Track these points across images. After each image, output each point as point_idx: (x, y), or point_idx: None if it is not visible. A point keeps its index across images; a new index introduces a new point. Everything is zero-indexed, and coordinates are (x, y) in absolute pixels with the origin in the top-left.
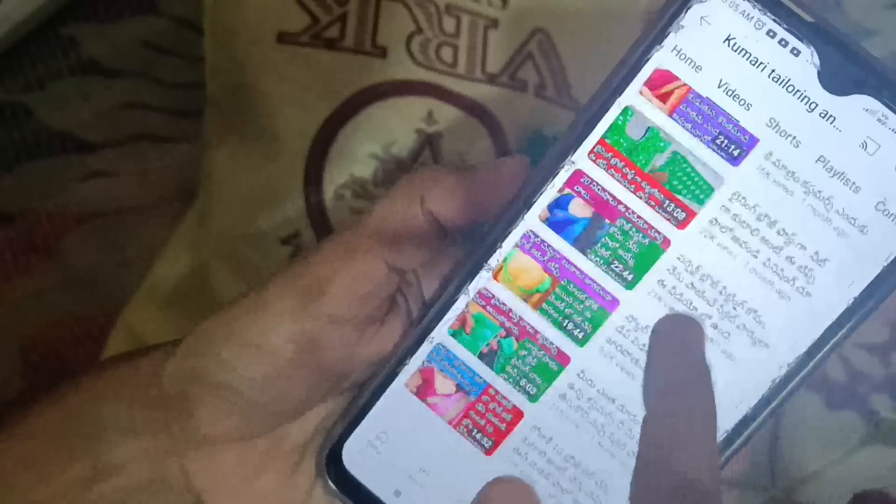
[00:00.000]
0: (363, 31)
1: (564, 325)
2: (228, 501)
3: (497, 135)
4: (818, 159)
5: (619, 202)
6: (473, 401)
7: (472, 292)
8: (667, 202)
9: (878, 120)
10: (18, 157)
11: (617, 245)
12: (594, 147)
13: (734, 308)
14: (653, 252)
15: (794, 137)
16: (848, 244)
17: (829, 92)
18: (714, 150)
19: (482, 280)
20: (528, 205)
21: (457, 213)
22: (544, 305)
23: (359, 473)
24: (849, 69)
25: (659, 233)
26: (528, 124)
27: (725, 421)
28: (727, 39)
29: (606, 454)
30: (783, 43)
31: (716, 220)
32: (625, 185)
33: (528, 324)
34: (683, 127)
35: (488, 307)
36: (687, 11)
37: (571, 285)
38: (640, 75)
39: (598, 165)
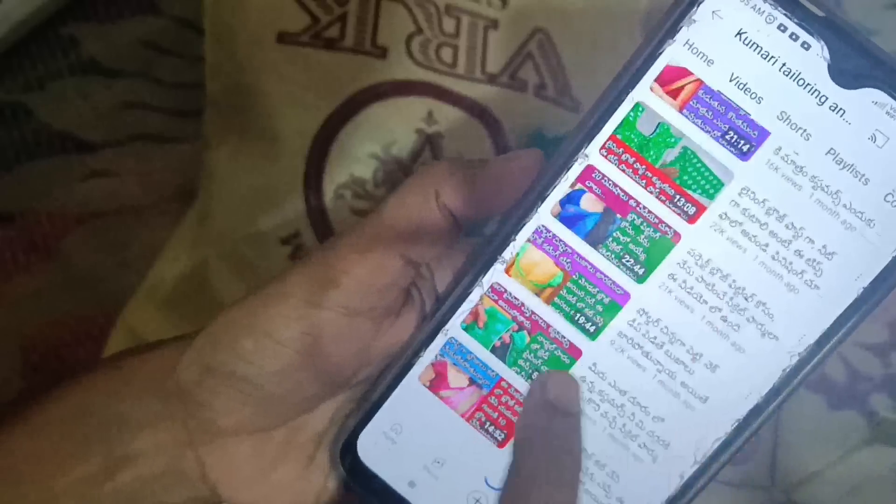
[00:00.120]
0: (363, 31)
1: (576, 318)
2: (244, 493)
3: (497, 135)
4: (828, 152)
5: (630, 197)
6: (486, 394)
7: (485, 286)
8: (677, 197)
9: (887, 113)
10: (18, 157)
11: (628, 240)
12: (605, 143)
13: (744, 301)
14: (663, 246)
15: (805, 130)
16: (856, 237)
17: (839, 85)
18: (724, 146)
19: (495, 274)
20: (540, 199)
21: (470, 207)
22: (556, 299)
23: (373, 464)
24: (858, 63)
25: (670, 227)
26: (528, 124)
27: (736, 411)
28: (738, 34)
29: (618, 446)
30: (794, 37)
31: (725, 214)
32: (636, 181)
33: (541, 318)
34: (693, 122)
35: (501, 301)
36: (699, 6)
37: (583, 279)
38: (651, 71)
39: (609, 161)
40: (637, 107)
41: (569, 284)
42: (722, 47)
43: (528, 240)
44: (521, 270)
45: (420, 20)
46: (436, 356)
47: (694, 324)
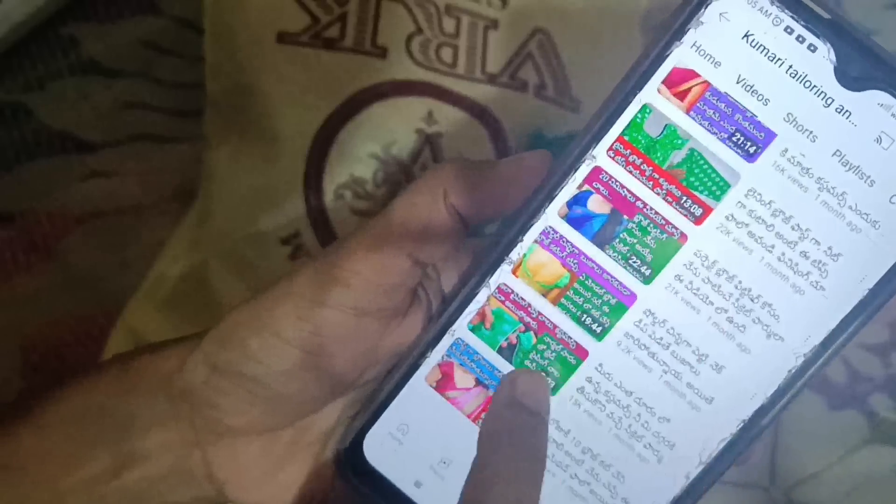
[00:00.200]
0: (363, 31)
1: (583, 319)
2: (251, 492)
3: (497, 135)
4: (833, 154)
5: (637, 198)
6: (492, 395)
7: (492, 287)
8: (684, 198)
9: (893, 115)
10: (18, 157)
11: (635, 241)
12: (613, 144)
13: (750, 302)
14: (670, 247)
15: (811, 132)
16: (861, 239)
17: (845, 87)
18: (730, 147)
19: (502, 275)
20: (547, 200)
21: (478, 208)
22: (563, 300)
23: (379, 464)
24: (864, 65)
25: (676, 228)
26: (528, 124)
27: (741, 412)
28: (745, 36)
29: (623, 446)
30: (800, 39)
31: (732, 215)
32: (643, 182)
33: (547, 318)
34: (700, 124)
35: (507, 302)
36: (706, 8)
37: (590, 280)
38: (658, 72)
39: (616, 162)
40: (644, 108)
41: (575, 285)
42: (729, 49)
43: (536, 241)
44: (528, 271)
45: (420, 20)
46: (442, 357)
47: (700, 325)
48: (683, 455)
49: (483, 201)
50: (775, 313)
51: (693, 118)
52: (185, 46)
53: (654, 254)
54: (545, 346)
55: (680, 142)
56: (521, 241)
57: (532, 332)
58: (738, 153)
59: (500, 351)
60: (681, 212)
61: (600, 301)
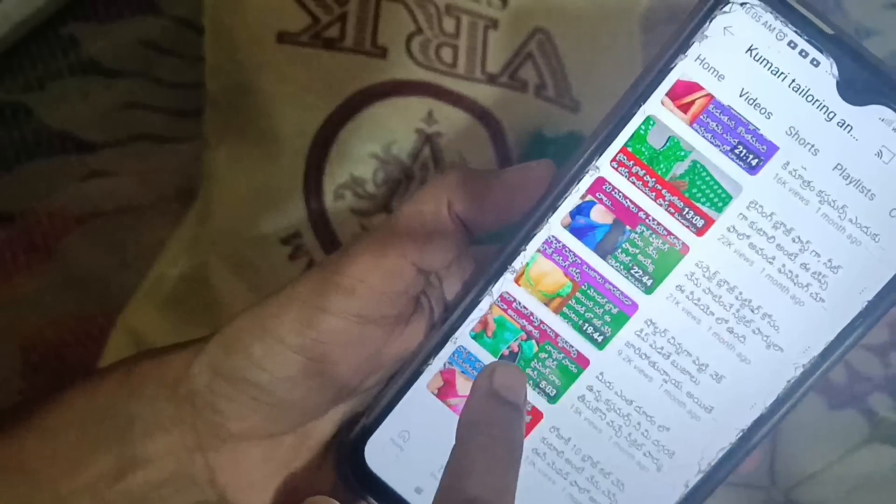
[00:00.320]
0: (363, 31)
1: (584, 328)
2: (253, 497)
3: (497, 135)
4: (835, 167)
5: (640, 209)
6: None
7: (495, 296)
8: (686, 210)
9: (894, 129)
10: (18, 157)
11: (637, 251)
12: (616, 155)
13: (750, 312)
14: (672, 258)
15: (813, 146)
16: (861, 251)
17: (847, 102)
18: (733, 160)
19: (504, 284)
20: (551, 210)
21: (482, 217)
22: (565, 309)
23: (380, 470)
24: (866, 80)
25: (678, 239)
26: (528, 124)
27: (741, 421)
28: (749, 50)
29: (623, 454)
30: (803, 54)
31: (733, 227)
32: (645, 193)
33: (549, 327)
34: (703, 136)
35: (510, 311)
36: (711, 22)
37: (592, 290)
38: (662, 85)
39: (619, 173)
40: (648, 120)
41: (578, 295)
42: (733, 63)
43: (538, 250)
44: (530, 280)
45: (420, 20)
46: (444, 364)
47: (700, 335)
48: (683, 463)
49: (487, 210)
50: (775, 324)
51: (696, 130)
52: (185, 46)
53: (655, 264)
54: (547, 355)
55: (683, 154)
56: (524, 250)
57: (534, 341)
58: (741, 165)
59: (502, 359)
60: (683, 223)
61: (602, 310)
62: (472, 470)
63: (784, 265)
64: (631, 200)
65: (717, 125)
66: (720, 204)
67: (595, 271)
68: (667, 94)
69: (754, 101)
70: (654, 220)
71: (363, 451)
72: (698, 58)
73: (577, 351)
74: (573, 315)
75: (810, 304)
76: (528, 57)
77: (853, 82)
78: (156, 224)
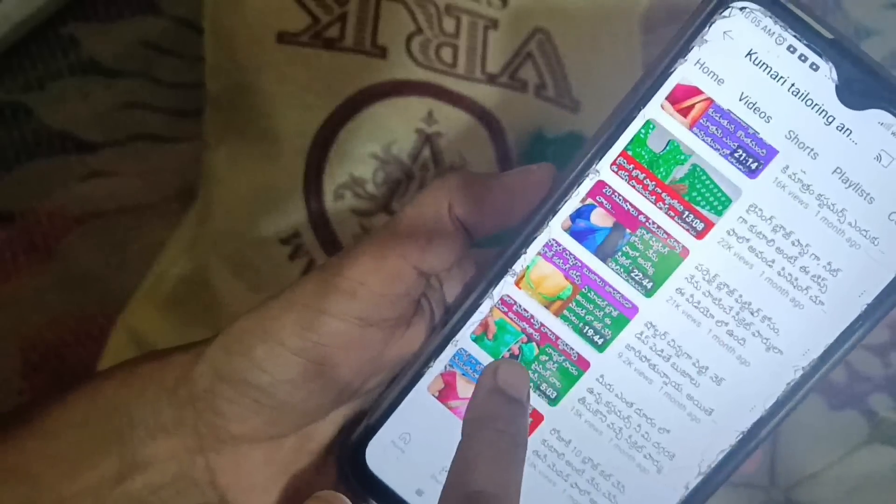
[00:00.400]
0: (363, 31)
1: (585, 331)
2: (254, 499)
3: (497, 135)
4: (834, 171)
5: (640, 212)
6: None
7: (496, 298)
8: (686, 213)
9: (893, 133)
10: (18, 157)
11: (637, 254)
12: (616, 159)
13: (750, 315)
14: (672, 261)
15: (812, 150)
16: (860, 255)
17: (846, 106)
18: (732, 163)
19: (505, 286)
20: (551, 213)
21: (483, 220)
22: (565, 312)
23: (381, 472)
24: (865, 84)
25: (678, 242)
26: (528, 124)
27: (741, 423)
28: (749, 54)
29: (624, 456)
30: (803, 58)
31: (733, 230)
32: (645, 196)
33: (550, 330)
34: (703, 140)
35: (510, 313)
36: (711, 26)
37: (592, 293)
38: (662, 89)
39: (619, 177)
40: (648, 124)
41: (578, 297)
42: (732, 67)
43: (539, 253)
44: (530, 283)
45: (420, 20)
46: (445, 367)
47: (700, 337)
48: (683, 465)
49: (487, 213)
50: (775, 327)
51: (696, 134)
52: (185, 46)
53: (655, 267)
54: (547, 357)
55: (682, 157)
56: (525, 252)
57: (534, 343)
58: (740, 169)
59: None
60: (683, 226)
61: (602, 313)
62: (477, 464)
63: (784, 268)
64: (631, 204)
65: (716, 129)
66: (720, 207)
67: (595, 274)
68: (666, 98)
69: (754, 104)
70: (654, 223)
71: (364, 453)
72: (698, 62)
73: (577, 353)
74: (573, 318)
75: (810, 306)
76: (528, 57)
77: (852, 86)
78: (156, 224)
